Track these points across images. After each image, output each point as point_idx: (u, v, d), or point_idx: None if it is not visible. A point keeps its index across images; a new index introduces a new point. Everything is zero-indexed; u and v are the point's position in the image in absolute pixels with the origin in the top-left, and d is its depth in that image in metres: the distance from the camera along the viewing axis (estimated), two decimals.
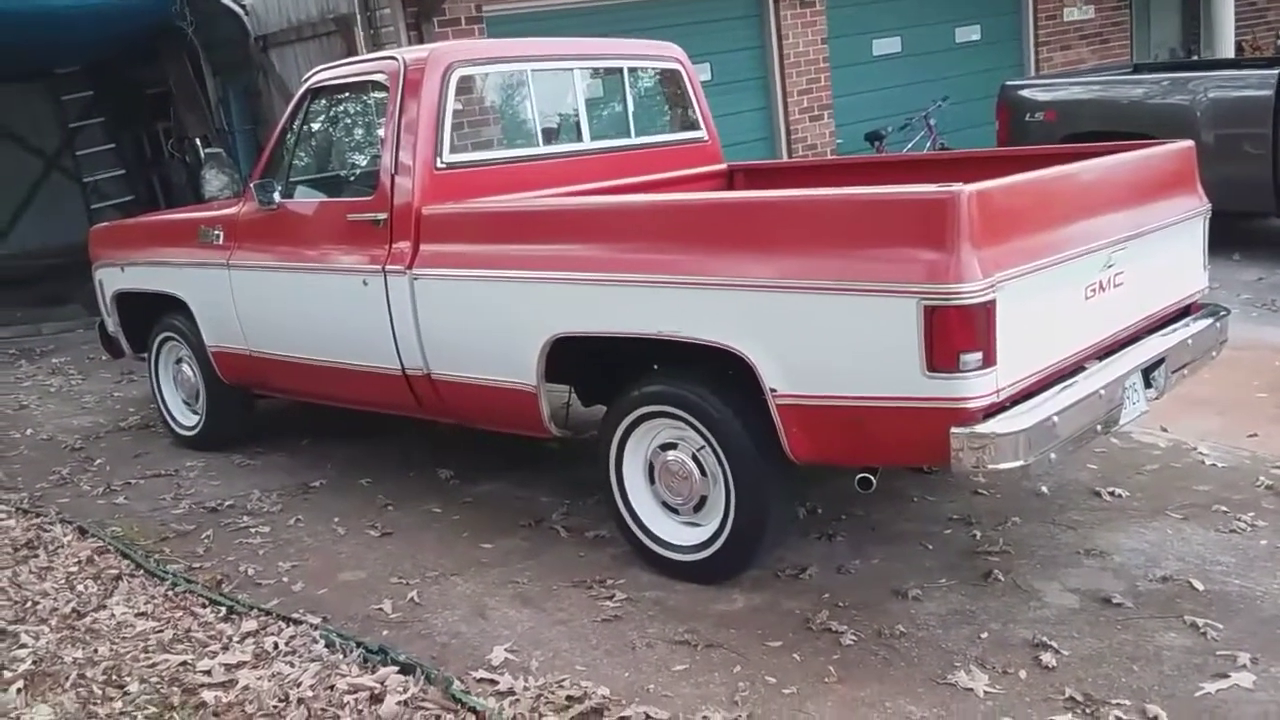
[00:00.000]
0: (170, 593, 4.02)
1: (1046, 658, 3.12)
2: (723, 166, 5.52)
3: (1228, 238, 6.30)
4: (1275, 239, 7.91)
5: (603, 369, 4.06)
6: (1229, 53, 10.85)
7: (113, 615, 3.85)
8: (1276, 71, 7.15)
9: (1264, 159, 7.12)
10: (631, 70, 5.36)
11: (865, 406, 3.21)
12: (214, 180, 10.07)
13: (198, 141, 10.54)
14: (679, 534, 3.82)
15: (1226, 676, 2.97)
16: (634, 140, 5.31)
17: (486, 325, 4.12)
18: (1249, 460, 4.39)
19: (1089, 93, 8.33)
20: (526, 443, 4.65)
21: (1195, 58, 12.18)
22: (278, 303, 4.98)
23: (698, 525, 3.77)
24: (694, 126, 5.51)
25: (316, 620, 3.69)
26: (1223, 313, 4.16)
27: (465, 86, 4.74)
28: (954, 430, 3.05)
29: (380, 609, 3.80)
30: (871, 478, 3.41)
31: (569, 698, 3.12)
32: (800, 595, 3.63)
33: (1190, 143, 4.13)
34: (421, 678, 3.23)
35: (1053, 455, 3.24)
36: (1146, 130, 7.01)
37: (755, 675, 3.18)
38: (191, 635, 3.66)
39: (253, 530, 4.64)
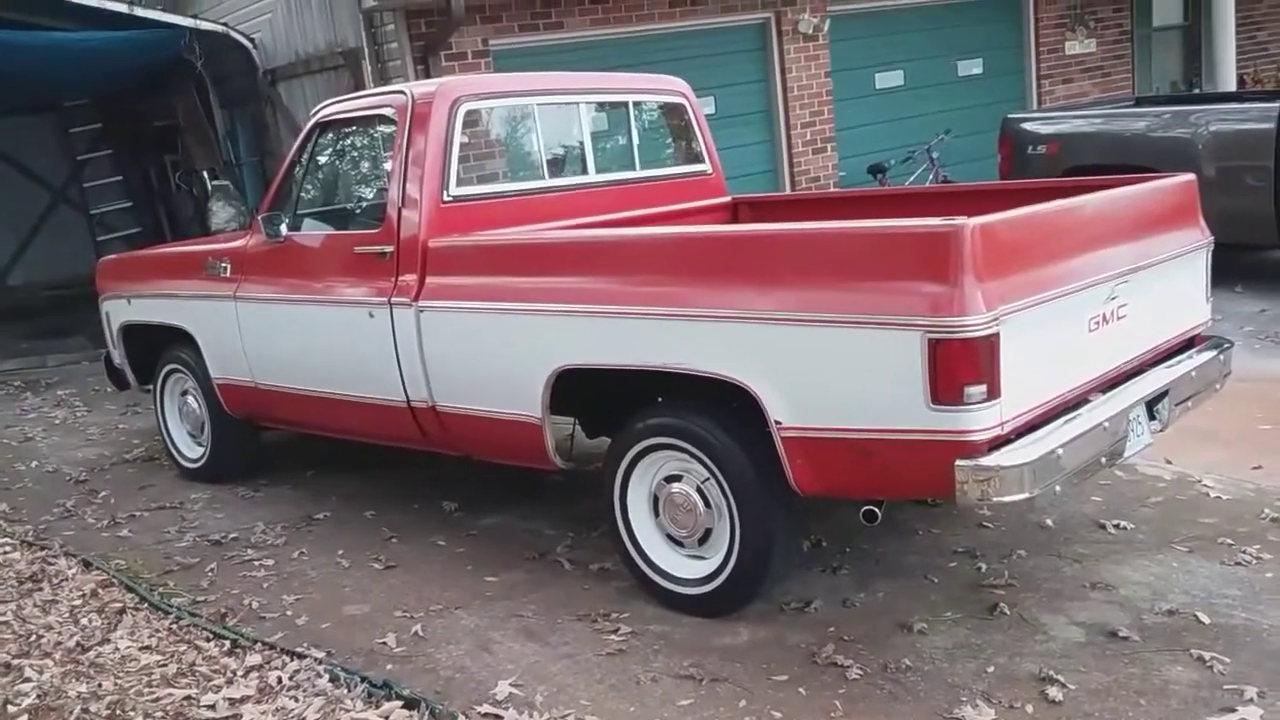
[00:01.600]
0: (174, 626, 4.01)
1: (1053, 692, 3.11)
2: (727, 199, 5.55)
3: (1230, 270, 6.31)
4: (1277, 271, 7.93)
5: (607, 401, 4.06)
6: (1231, 86, 10.91)
7: (117, 649, 3.84)
8: (1278, 104, 7.19)
9: (1265, 192, 7.14)
10: (636, 104, 5.40)
11: (870, 439, 3.22)
12: (221, 212, 10.15)
13: (205, 174, 10.61)
14: (683, 567, 3.81)
15: (1234, 710, 2.95)
16: (639, 173, 5.35)
17: (492, 358, 4.13)
18: (1253, 493, 4.38)
19: (1091, 126, 8.38)
20: (530, 475, 4.64)
21: (1197, 91, 12.26)
22: (284, 335, 5.00)
23: (702, 558, 3.77)
24: (698, 159, 5.54)
25: (321, 654, 3.68)
26: (1226, 345, 4.17)
27: (472, 120, 4.79)
28: (959, 463, 3.06)
29: (384, 643, 3.78)
30: (877, 510, 3.41)
31: None
32: (805, 629, 3.62)
33: (1192, 176, 4.15)
34: (426, 713, 3.21)
35: (1058, 488, 3.25)
36: (1149, 163, 7.04)
37: (761, 710, 3.17)
38: (196, 669, 3.65)
39: (257, 563, 4.63)
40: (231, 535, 4.99)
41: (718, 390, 3.50)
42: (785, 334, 3.30)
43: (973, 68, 11.42)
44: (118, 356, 6.25)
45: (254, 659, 3.68)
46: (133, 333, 6.06)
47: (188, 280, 5.52)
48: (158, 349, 5.89)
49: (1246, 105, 7.78)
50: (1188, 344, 4.07)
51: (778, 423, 3.35)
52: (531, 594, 4.08)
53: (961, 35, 11.25)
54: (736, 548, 3.61)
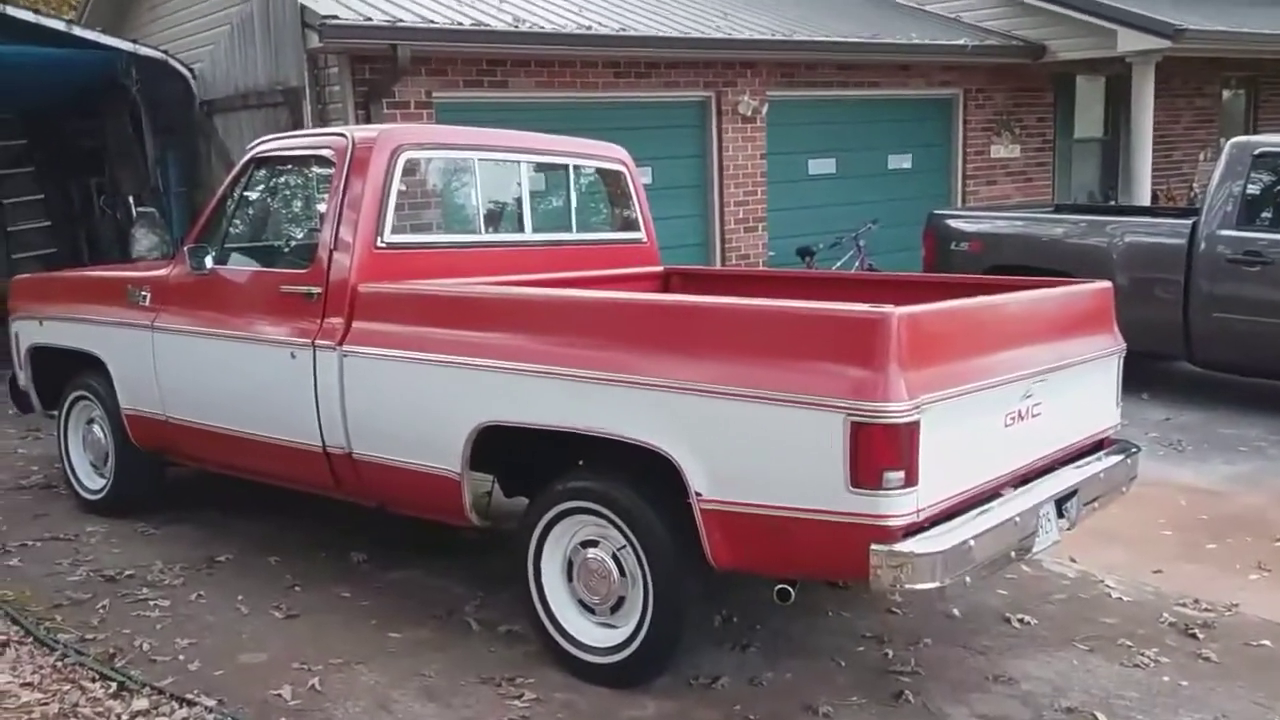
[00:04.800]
0: (60, 664, 3.84)
1: None
2: (660, 269, 5.61)
3: (1138, 377, 6.53)
4: (1182, 382, 8.22)
5: (528, 461, 4.03)
6: (1145, 200, 11.39)
7: None
8: (1190, 222, 7.51)
9: (1175, 304, 7.43)
10: (577, 168, 5.46)
11: (788, 517, 3.23)
12: (144, 240, 9.94)
13: (130, 199, 10.40)
14: (594, 635, 3.77)
15: None
16: (574, 236, 5.39)
17: (414, 408, 4.08)
18: (1153, 596, 4.49)
19: (1012, 228, 8.66)
20: (444, 530, 4.57)
21: (1113, 202, 12.78)
22: (200, 369, 4.89)
23: (614, 627, 3.73)
24: (634, 227, 5.60)
25: (211, 702, 3.55)
26: (1133, 450, 4.30)
27: (411, 169, 4.79)
28: (874, 547, 3.09)
29: (279, 694, 3.66)
30: (790, 589, 3.42)
31: None
32: (712, 705, 3.59)
33: (1109, 284, 4.31)
34: None
35: (968, 578, 3.30)
36: (1065, 268, 7.30)
37: None
38: (79, 711, 3.49)
39: (152, 603, 4.46)
40: (127, 572, 4.81)
41: (640, 457, 3.50)
42: (711, 406, 3.32)
43: (903, 162, 11.79)
44: (24, 378, 6.04)
45: (141, 703, 3.54)
46: (42, 355, 5.87)
47: (104, 306, 5.38)
48: (66, 374, 5.71)
49: (1160, 220, 8.11)
50: (1097, 446, 4.19)
51: (698, 494, 3.36)
52: (436, 653, 3.99)
53: (894, 131, 11.64)
54: (649, 618, 3.58)
